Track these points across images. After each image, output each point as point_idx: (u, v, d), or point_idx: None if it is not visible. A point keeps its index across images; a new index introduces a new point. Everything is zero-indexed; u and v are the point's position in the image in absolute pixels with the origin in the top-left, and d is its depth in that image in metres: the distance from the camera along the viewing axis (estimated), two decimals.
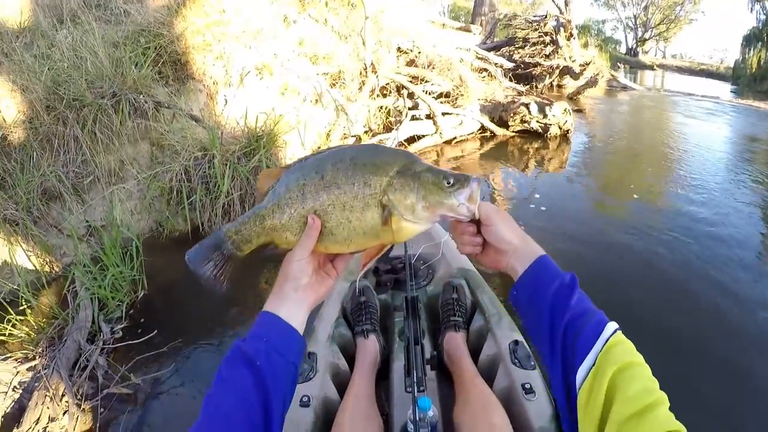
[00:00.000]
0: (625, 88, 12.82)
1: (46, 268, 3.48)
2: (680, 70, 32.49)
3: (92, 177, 3.89)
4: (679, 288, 3.36)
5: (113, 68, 4.23)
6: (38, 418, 2.36)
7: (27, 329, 2.88)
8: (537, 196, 5.07)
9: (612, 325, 0.77)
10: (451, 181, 0.85)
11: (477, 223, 0.90)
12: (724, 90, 8.93)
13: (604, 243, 4.01)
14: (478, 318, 2.26)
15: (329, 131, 5.47)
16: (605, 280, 3.48)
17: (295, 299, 0.88)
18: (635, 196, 4.87)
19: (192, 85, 4.74)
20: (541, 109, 6.61)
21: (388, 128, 6.18)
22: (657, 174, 5.40)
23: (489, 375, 1.90)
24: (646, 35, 39.68)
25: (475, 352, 2.05)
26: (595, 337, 0.75)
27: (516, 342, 1.93)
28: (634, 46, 39.86)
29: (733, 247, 3.88)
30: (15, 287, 3.08)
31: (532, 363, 1.84)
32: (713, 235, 4.08)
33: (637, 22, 39.61)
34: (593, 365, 0.73)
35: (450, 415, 1.75)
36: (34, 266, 3.40)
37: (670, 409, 0.69)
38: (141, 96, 4.16)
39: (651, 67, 31.43)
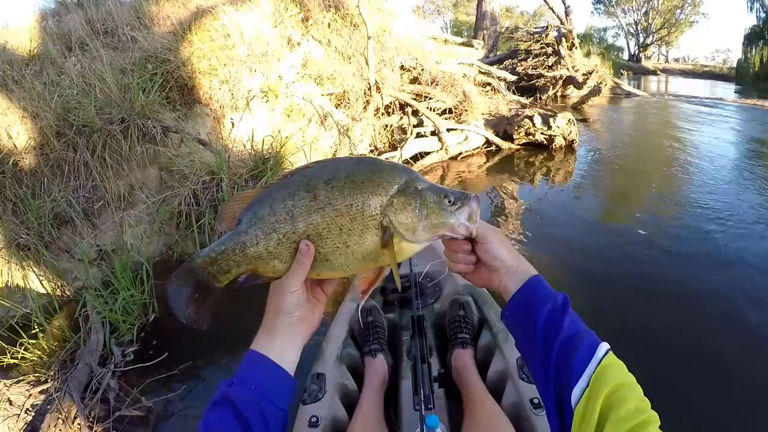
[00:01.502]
0: (628, 95, 12.79)
1: (58, 292, 3.52)
2: (683, 73, 32.52)
3: (102, 202, 3.93)
4: (682, 302, 3.30)
5: (121, 94, 4.29)
6: None
7: (39, 352, 2.92)
8: (544, 207, 5.06)
9: (604, 346, 0.77)
10: (452, 200, 0.82)
11: (472, 241, 0.89)
12: (728, 91, 8.87)
13: (609, 255, 3.97)
14: (486, 334, 2.26)
15: (335, 151, 5.50)
16: (609, 292, 3.44)
17: (289, 335, 0.83)
18: (641, 207, 4.84)
19: (199, 110, 4.80)
20: (545, 121, 6.61)
21: (393, 146, 6.21)
22: (663, 184, 5.35)
23: (497, 390, 1.89)
24: (648, 40, 39.90)
25: (483, 368, 2.05)
26: (588, 358, 0.75)
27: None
28: (637, 52, 40.03)
29: (740, 263, 3.78)
30: (28, 311, 3.12)
31: None
32: (720, 247, 4.00)
33: (638, 28, 39.87)
34: (587, 386, 0.73)
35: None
36: (46, 290, 3.44)
37: (662, 427, 0.70)
38: (149, 121, 4.21)
39: (654, 72, 31.49)
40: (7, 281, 3.40)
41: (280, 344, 0.82)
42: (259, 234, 0.80)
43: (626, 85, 13.46)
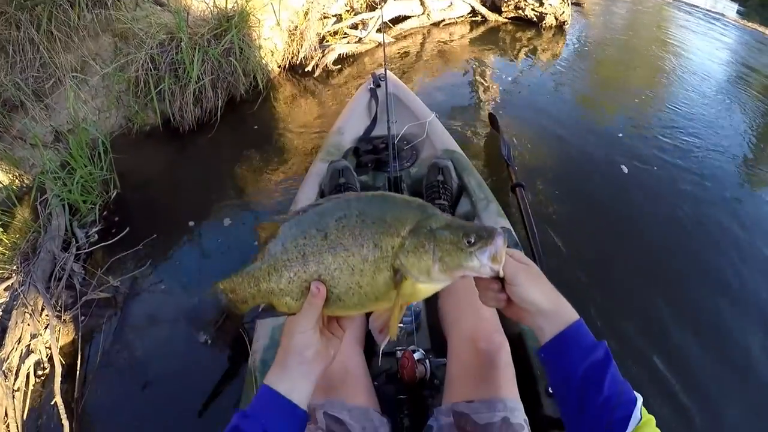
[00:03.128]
0: None
1: (16, 183, 3.23)
2: None
3: (53, 80, 3.53)
4: (644, 209, 3.18)
5: None
6: (20, 337, 2.22)
7: (1, 249, 2.68)
8: (522, 87, 4.77)
9: (639, 404, 0.77)
10: (472, 240, 0.74)
11: (501, 280, 0.82)
12: (730, 9, 7.85)
13: (580, 149, 3.75)
14: (465, 202, 2.24)
15: (307, 10, 4.92)
16: (571, 186, 3.31)
17: (301, 372, 0.81)
18: (621, 108, 4.48)
19: None
20: None
21: (371, 7, 5.61)
22: (646, 90, 4.86)
23: None
24: None
25: None
26: (627, 419, 0.75)
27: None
28: None
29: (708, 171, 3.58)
30: None
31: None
32: (691, 159, 3.71)
33: None
34: None
35: (433, 303, 1.72)
36: (2, 183, 3.16)
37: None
38: None
39: None
40: None
41: (292, 380, 0.81)
42: (270, 270, 0.80)
43: None
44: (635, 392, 0.79)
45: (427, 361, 1.48)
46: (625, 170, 3.41)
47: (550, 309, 0.83)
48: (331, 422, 1.20)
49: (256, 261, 0.82)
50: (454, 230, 0.75)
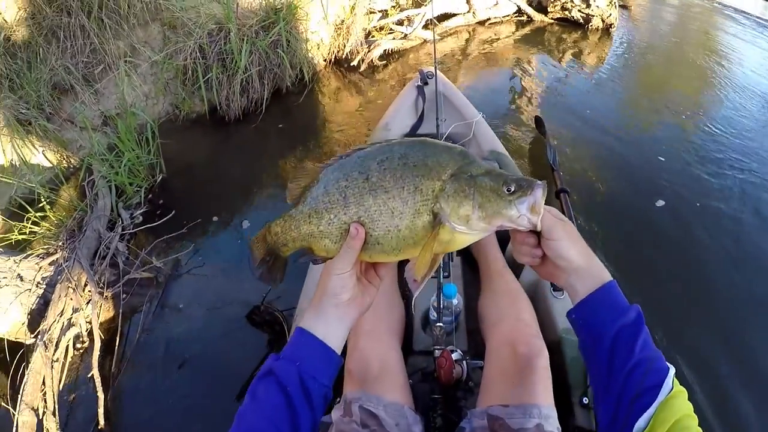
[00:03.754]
0: None
1: (64, 164, 3.31)
2: None
3: (103, 65, 3.59)
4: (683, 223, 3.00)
5: None
6: (62, 310, 2.25)
7: (47, 225, 2.75)
8: (570, 88, 4.66)
9: (671, 373, 0.76)
10: (512, 188, 0.73)
11: (537, 234, 0.80)
12: None
13: (621, 158, 3.59)
14: None
15: (353, 4, 4.95)
16: (607, 187, 3.22)
17: (335, 316, 0.81)
18: (666, 119, 4.24)
19: None
20: None
21: (417, 3, 5.59)
22: (692, 100, 4.61)
23: (516, 266, 1.83)
24: None
25: (503, 241, 1.97)
26: (658, 387, 0.74)
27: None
28: None
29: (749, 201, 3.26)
30: (33, 186, 2.93)
31: None
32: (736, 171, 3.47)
33: None
34: (653, 414, 0.72)
35: (472, 303, 1.73)
36: (51, 163, 3.23)
37: None
38: None
39: None
40: (11, 159, 3.17)
41: (326, 323, 0.81)
42: (312, 213, 0.81)
43: None
44: (667, 363, 0.77)
45: (465, 362, 1.46)
46: (661, 203, 3.16)
47: (585, 267, 0.81)
48: (366, 416, 1.21)
49: (299, 204, 0.82)
50: (494, 177, 0.75)
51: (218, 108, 3.81)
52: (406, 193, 0.75)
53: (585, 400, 1.49)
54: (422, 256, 0.76)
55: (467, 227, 0.74)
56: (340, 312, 0.81)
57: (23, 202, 2.78)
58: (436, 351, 1.47)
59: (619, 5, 6.23)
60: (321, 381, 0.78)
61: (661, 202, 3.12)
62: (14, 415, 1.84)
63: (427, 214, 0.75)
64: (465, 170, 0.76)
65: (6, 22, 3.55)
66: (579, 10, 5.88)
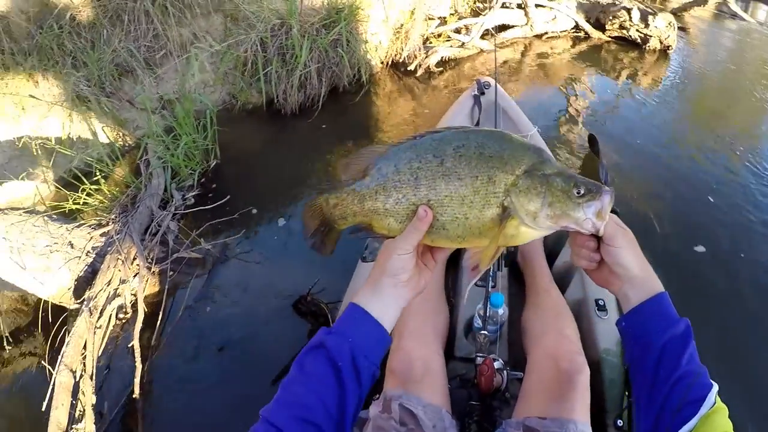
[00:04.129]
0: (734, 16, 10.91)
1: (120, 141, 3.39)
2: None
3: (164, 51, 3.69)
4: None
5: None
6: (110, 281, 2.29)
7: (101, 197, 2.81)
8: (624, 109, 4.61)
9: (714, 390, 0.75)
10: (582, 191, 0.74)
11: (598, 239, 0.81)
12: None
13: (673, 184, 3.50)
14: None
15: (413, 9, 4.99)
16: (658, 214, 3.13)
17: (392, 295, 0.81)
18: (719, 152, 4.07)
19: None
20: (644, 18, 5.77)
21: (476, 13, 5.63)
22: (747, 137, 4.42)
23: (562, 283, 1.85)
24: None
25: (550, 257, 1.99)
26: (700, 402, 0.73)
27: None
28: None
29: None
30: (89, 159, 2.99)
31: None
32: None
33: None
34: (693, 427, 0.72)
35: (515, 315, 1.73)
36: (108, 139, 3.31)
37: None
38: None
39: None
40: (69, 133, 3.25)
41: (382, 302, 0.81)
42: (379, 190, 0.80)
43: (734, 5, 11.58)
44: (711, 380, 0.76)
45: (505, 372, 1.46)
46: (702, 249, 2.97)
47: (640, 276, 0.82)
48: (405, 414, 1.23)
49: (365, 178, 0.81)
50: (566, 179, 0.75)
51: (275, 101, 3.87)
52: (479, 182, 0.75)
53: (620, 422, 1.48)
54: (490, 247, 0.77)
55: (534, 224, 0.75)
56: (397, 292, 0.81)
57: (79, 173, 2.84)
58: (478, 358, 1.48)
59: (678, 27, 6.12)
60: (372, 360, 0.78)
61: (701, 248, 2.96)
62: (52, 374, 1.86)
63: (496, 207, 0.76)
64: (539, 168, 0.76)
65: (72, 2, 3.64)
66: (637, 30, 5.80)
